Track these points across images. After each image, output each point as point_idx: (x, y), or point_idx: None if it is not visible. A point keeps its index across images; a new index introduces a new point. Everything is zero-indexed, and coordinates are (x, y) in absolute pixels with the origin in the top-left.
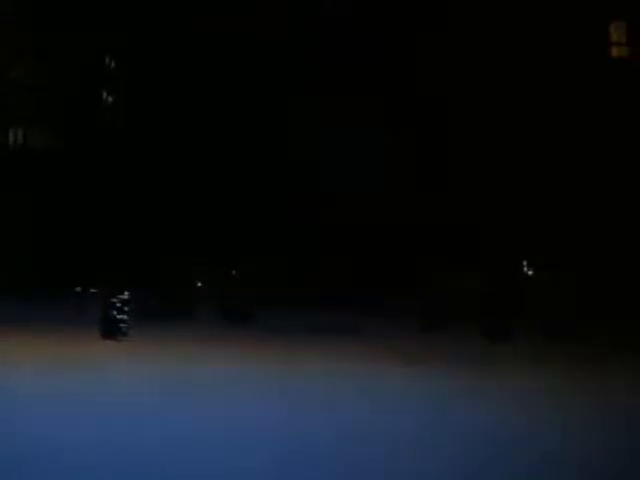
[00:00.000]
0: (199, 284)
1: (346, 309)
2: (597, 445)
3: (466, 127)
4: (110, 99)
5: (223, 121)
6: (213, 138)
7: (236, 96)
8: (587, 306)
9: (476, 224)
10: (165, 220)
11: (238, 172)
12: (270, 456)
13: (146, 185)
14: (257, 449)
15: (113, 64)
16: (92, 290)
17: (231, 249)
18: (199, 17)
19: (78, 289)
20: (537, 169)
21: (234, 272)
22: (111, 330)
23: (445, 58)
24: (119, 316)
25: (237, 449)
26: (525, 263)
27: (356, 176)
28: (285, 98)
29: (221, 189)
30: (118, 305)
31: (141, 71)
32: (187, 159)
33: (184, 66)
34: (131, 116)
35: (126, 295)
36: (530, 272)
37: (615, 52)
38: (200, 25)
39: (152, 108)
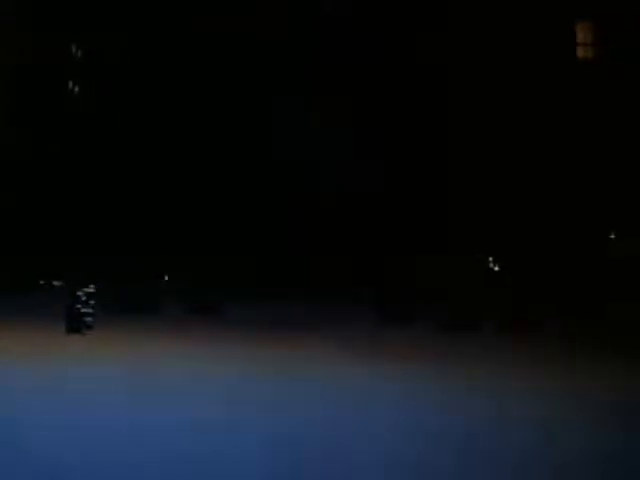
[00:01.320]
0: (166, 278)
1: (314, 302)
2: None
3: (437, 126)
4: (85, 94)
5: (200, 118)
6: (186, 133)
7: (215, 94)
8: (548, 299)
9: (440, 219)
10: (133, 213)
11: (213, 168)
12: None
13: (116, 178)
14: (184, 446)
15: (91, 60)
16: (56, 283)
17: (200, 244)
18: (181, 14)
19: (42, 282)
20: (502, 167)
21: (201, 266)
22: (76, 324)
23: (415, 57)
24: (84, 310)
25: (151, 442)
26: (490, 258)
27: (332, 175)
28: (267, 97)
29: (193, 184)
30: (83, 299)
31: (122, 69)
32: (160, 153)
33: (165, 63)
34: (109, 110)
35: (91, 288)
36: (495, 267)
37: (581, 53)
38: (182, 22)
39: (128, 104)
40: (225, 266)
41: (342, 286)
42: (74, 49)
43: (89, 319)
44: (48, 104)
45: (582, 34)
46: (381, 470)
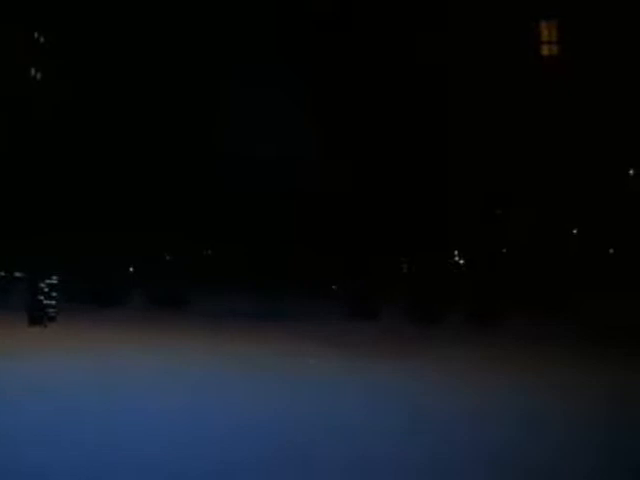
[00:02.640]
0: (131, 269)
1: (281, 295)
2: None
3: (401, 122)
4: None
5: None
6: (158, 126)
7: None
8: (514, 292)
9: (408, 212)
10: (97, 204)
11: (184, 160)
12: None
13: (76, 167)
14: (143, 436)
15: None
16: (18, 275)
17: (166, 235)
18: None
19: (2, 273)
20: (467, 162)
21: (167, 257)
22: (38, 315)
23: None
24: (47, 301)
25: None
26: (456, 252)
27: (295, 174)
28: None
29: (154, 173)
30: (46, 290)
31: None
32: (130, 143)
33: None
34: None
35: (54, 280)
36: (461, 260)
37: (546, 51)
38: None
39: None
40: (195, 258)
41: (313, 280)
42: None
43: (52, 311)
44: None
45: (547, 32)
46: (334, 465)
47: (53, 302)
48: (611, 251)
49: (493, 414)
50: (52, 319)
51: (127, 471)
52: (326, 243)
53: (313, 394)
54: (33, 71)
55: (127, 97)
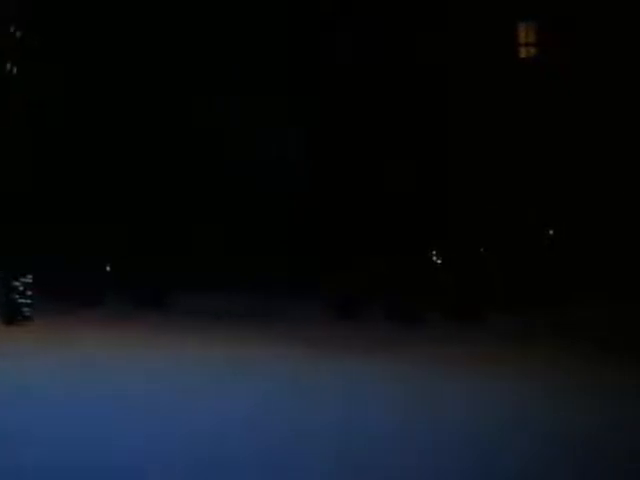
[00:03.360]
0: (108, 268)
1: (261, 294)
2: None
3: (385, 126)
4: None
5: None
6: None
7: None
8: (495, 291)
9: (387, 212)
10: (73, 200)
11: (154, 156)
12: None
13: (56, 162)
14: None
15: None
16: None
17: (145, 233)
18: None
19: None
20: (447, 164)
21: (146, 256)
22: (13, 315)
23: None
24: (22, 300)
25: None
26: (433, 251)
27: (282, 174)
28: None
29: (135, 171)
30: (21, 289)
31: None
32: (98, 137)
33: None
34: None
35: (29, 278)
36: (438, 259)
37: (523, 53)
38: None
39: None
40: (176, 256)
41: (294, 280)
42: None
43: (27, 310)
44: None
45: (524, 34)
46: (309, 466)
47: (28, 301)
48: (593, 251)
49: (479, 413)
50: (28, 318)
51: (111, 468)
52: (306, 242)
53: (293, 394)
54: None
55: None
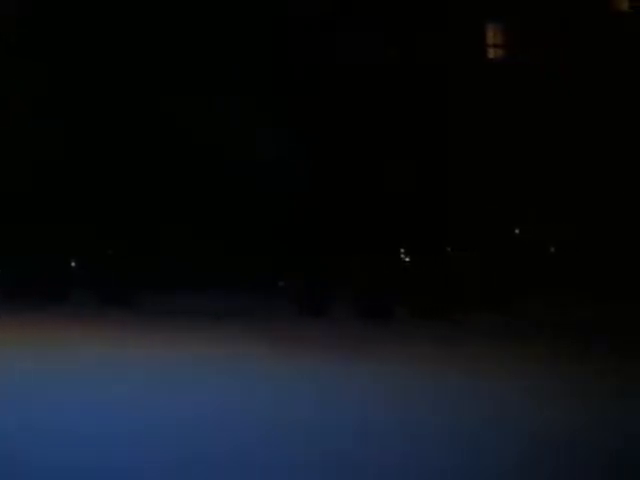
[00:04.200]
0: (73, 264)
1: (231, 292)
2: None
3: (359, 127)
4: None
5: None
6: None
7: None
8: (463, 289)
9: (357, 210)
10: (39, 196)
11: (124, 153)
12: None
13: (18, 158)
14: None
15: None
16: None
17: (113, 230)
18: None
19: None
20: (416, 162)
21: (113, 254)
22: None
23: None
24: None
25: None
26: (403, 249)
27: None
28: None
29: (101, 167)
30: None
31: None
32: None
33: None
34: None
35: None
36: (407, 258)
37: (492, 54)
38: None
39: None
40: (143, 255)
41: (265, 278)
42: None
43: None
44: None
45: (492, 35)
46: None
47: None
48: (558, 251)
49: (450, 407)
50: None
51: (73, 468)
52: (275, 240)
53: (260, 392)
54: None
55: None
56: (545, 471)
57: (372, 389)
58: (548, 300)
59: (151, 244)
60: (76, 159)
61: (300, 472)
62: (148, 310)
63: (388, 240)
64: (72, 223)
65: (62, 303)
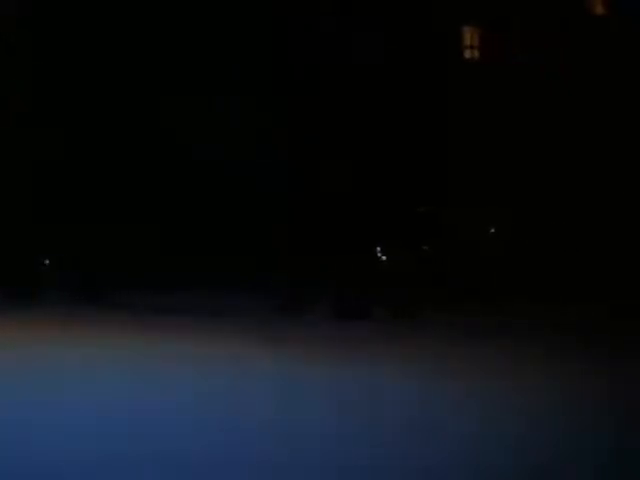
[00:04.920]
0: (47, 261)
1: (205, 289)
2: None
3: (328, 125)
4: None
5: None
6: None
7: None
8: (438, 289)
9: (334, 209)
10: (8, 194)
11: (93, 150)
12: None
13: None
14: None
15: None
16: None
17: (85, 227)
18: None
19: None
20: (391, 162)
21: (86, 251)
22: None
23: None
24: None
25: None
26: (379, 248)
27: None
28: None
29: (72, 162)
30: None
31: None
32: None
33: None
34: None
35: None
36: (383, 256)
37: (468, 55)
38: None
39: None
40: (115, 252)
41: (238, 274)
42: None
43: None
44: None
45: (469, 37)
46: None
47: None
48: (536, 253)
49: (424, 403)
50: None
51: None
52: (253, 238)
53: (233, 390)
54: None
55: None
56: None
57: (334, 389)
58: (530, 301)
59: (128, 243)
60: (51, 158)
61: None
62: (120, 307)
63: (366, 240)
64: (46, 222)
65: (33, 302)
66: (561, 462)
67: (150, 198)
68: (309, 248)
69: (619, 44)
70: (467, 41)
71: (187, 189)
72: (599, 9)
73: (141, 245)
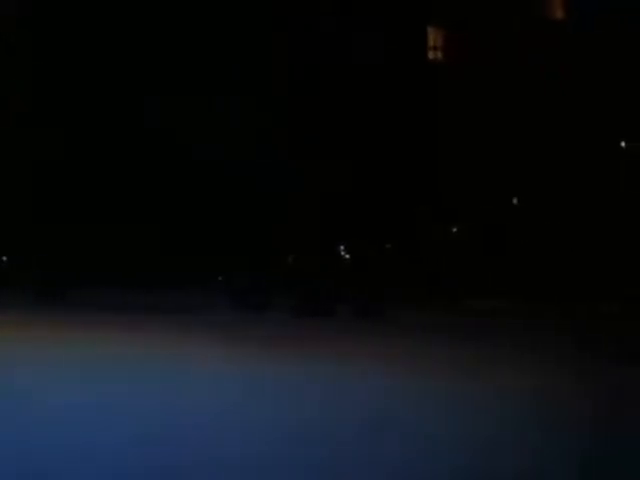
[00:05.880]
0: (4, 259)
1: (163, 288)
2: None
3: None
4: None
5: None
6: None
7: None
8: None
9: (296, 209)
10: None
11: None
12: None
13: None
14: None
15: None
16: None
17: (40, 228)
18: None
19: None
20: (350, 161)
21: (40, 251)
22: None
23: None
24: None
25: None
26: (342, 247)
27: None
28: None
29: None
30: None
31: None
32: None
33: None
34: None
35: None
36: (346, 255)
37: (431, 55)
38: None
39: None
40: (70, 251)
41: (197, 273)
42: None
43: None
44: None
45: (432, 38)
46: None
47: None
48: (495, 253)
49: (384, 399)
50: None
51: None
52: (213, 237)
53: (189, 389)
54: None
55: None
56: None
57: (285, 388)
58: (481, 301)
59: (111, 243)
60: (46, 158)
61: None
62: (76, 305)
63: (329, 240)
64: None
65: None
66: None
67: (143, 198)
68: (274, 247)
69: (575, 46)
70: (430, 42)
71: (146, 190)
72: (558, 13)
73: (124, 245)
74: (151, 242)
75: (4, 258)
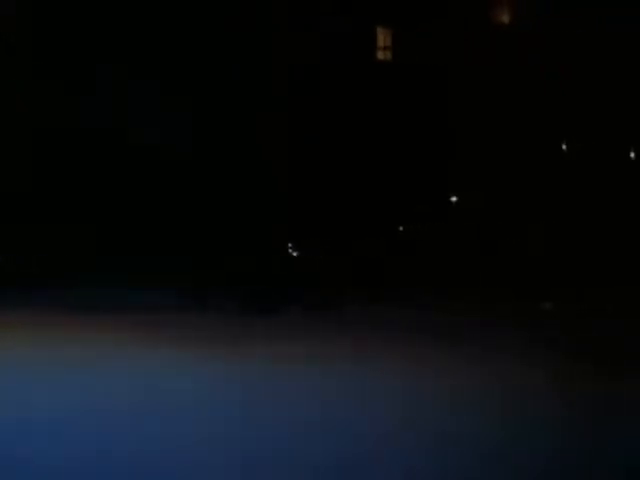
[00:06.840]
0: None
1: (106, 286)
2: None
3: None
4: None
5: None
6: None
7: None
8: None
9: (247, 206)
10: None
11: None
12: None
13: None
14: None
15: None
16: None
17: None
18: None
19: None
20: (311, 159)
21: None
22: None
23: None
24: None
25: None
26: (290, 245)
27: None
28: None
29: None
30: None
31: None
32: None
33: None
34: None
35: None
36: (295, 253)
37: (380, 55)
38: None
39: None
40: (14, 249)
41: (154, 274)
42: None
43: None
44: None
45: (382, 38)
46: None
47: None
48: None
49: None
50: None
51: None
52: (158, 234)
53: (134, 388)
54: None
55: None
56: None
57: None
58: (433, 297)
59: (59, 242)
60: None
61: None
62: (21, 304)
63: (277, 236)
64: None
65: None
66: None
67: (89, 197)
68: (224, 245)
69: (523, 49)
70: (380, 42)
71: (96, 189)
72: (505, 18)
73: (75, 244)
74: (113, 240)
75: None
